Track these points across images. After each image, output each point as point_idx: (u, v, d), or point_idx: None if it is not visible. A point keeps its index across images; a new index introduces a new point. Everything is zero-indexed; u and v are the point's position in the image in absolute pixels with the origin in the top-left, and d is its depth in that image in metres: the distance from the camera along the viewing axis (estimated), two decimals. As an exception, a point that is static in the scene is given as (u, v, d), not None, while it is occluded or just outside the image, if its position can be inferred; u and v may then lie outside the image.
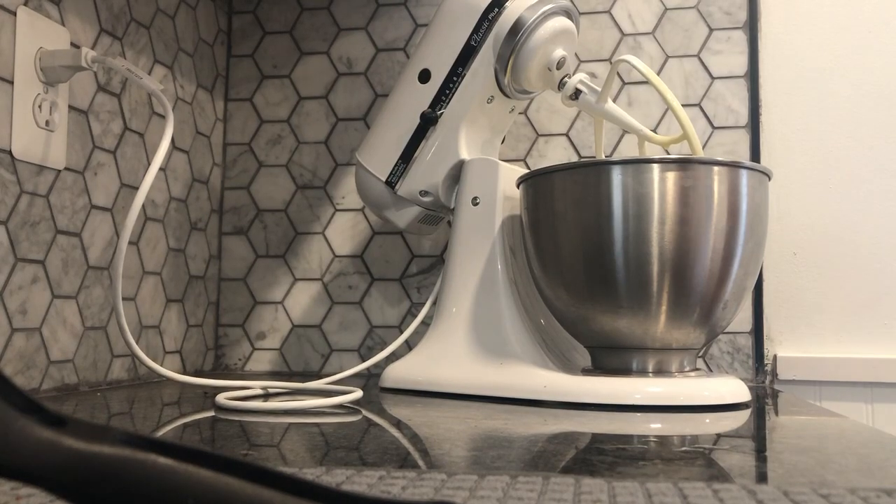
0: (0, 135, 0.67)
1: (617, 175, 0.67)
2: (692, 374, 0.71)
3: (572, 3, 0.84)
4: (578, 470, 0.40)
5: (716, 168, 0.68)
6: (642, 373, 0.71)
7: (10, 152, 0.68)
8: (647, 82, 0.97)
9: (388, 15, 1.06)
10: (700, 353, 0.94)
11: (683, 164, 0.67)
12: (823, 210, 0.97)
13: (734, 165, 0.68)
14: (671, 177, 0.67)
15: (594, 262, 0.68)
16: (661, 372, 0.70)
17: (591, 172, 0.68)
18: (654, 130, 0.96)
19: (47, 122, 0.72)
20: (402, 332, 0.90)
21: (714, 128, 0.98)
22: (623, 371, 0.71)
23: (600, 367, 0.74)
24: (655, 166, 0.67)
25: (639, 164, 0.67)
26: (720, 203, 0.67)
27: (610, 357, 0.73)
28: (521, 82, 0.81)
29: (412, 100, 0.83)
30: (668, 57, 0.99)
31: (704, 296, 0.67)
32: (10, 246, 0.69)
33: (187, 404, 0.69)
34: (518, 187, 0.77)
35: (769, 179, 0.71)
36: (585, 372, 0.74)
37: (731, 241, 0.67)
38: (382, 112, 0.86)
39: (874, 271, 0.95)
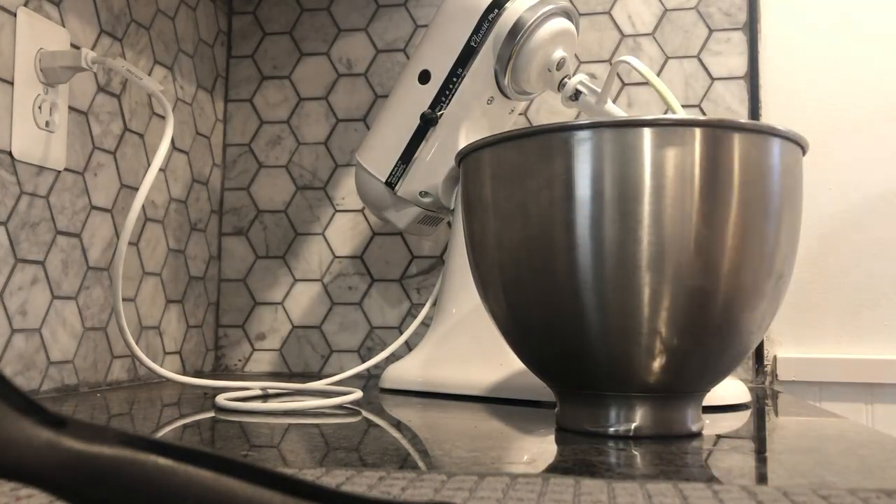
0: (0, 135, 0.67)
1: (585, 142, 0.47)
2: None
3: (572, 3, 0.84)
4: (578, 470, 0.40)
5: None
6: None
7: (10, 153, 0.68)
8: (647, 83, 0.97)
9: (388, 16, 1.06)
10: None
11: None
12: (823, 210, 0.97)
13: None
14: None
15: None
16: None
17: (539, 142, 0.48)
18: (654, 131, 0.96)
19: (47, 123, 0.72)
20: (401, 333, 0.90)
21: (714, 128, 0.98)
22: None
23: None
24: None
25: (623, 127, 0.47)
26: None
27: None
28: (520, 83, 0.81)
29: (412, 100, 0.83)
30: (667, 58, 0.99)
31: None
32: (10, 247, 0.69)
33: (187, 405, 0.69)
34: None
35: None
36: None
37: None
38: (382, 113, 0.86)
39: (874, 271, 0.95)
